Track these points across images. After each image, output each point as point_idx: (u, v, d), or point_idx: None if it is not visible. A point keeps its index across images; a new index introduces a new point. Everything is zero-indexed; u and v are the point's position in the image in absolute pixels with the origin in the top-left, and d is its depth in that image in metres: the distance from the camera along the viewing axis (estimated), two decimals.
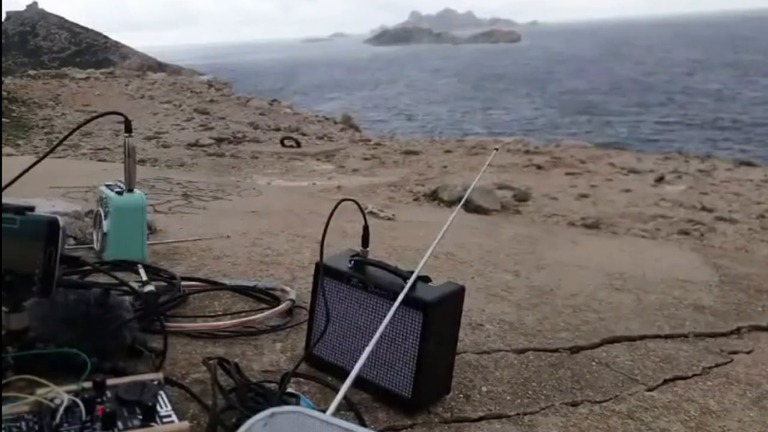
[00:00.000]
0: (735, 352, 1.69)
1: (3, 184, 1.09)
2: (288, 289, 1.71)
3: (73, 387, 0.96)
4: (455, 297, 1.25)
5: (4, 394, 0.93)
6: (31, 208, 1.07)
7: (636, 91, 35.79)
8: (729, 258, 2.79)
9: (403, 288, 1.16)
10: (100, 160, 9.22)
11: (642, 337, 1.72)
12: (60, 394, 0.93)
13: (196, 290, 1.68)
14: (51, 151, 1.38)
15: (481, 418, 1.24)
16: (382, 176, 9.61)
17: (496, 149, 2.49)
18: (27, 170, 1.16)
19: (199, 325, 1.47)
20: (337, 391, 0.85)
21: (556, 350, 1.58)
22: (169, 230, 2.34)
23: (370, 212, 3.31)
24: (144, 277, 1.63)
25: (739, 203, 7.95)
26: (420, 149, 12.49)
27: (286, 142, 12.50)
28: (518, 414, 1.27)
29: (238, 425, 0.74)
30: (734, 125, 23.94)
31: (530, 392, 1.36)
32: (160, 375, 1.06)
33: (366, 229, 1.35)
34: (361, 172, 10.15)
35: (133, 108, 14.54)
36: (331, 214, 1.23)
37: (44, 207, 2.09)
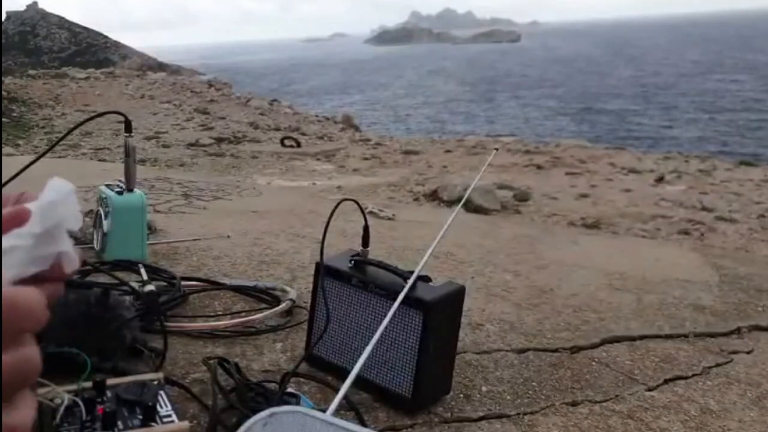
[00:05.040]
0: (735, 352, 1.69)
1: (2, 182, 1.09)
2: (288, 289, 1.71)
3: (73, 387, 0.96)
4: (455, 297, 1.25)
5: None
6: None
7: (637, 91, 35.79)
8: (729, 258, 2.79)
9: (403, 288, 1.16)
10: (100, 160, 9.21)
11: (642, 337, 1.71)
12: (60, 394, 0.93)
13: (196, 290, 1.68)
14: (50, 149, 1.39)
15: (481, 418, 1.24)
16: (382, 176, 9.60)
17: (496, 149, 2.50)
18: (27, 167, 1.16)
19: (199, 325, 1.47)
20: (337, 391, 0.85)
21: (556, 350, 1.58)
22: (169, 230, 2.34)
23: (371, 212, 3.31)
24: (144, 277, 1.63)
25: (739, 203, 7.95)
26: (420, 149, 12.49)
27: (286, 142, 12.50)
28: (518, 414, 1.27)
29: (238, 425, 0.74)
30: (734, 124, 23.94)
31: (530, 392, 1.36)
32: (160, 375, 1.06)
33: (366, 229, 1.35)
34: (361, 171, 10.15)
35: (133, 108, 14.54)
36: (332, 214, 1.23)
37: None
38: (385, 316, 1.07)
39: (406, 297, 1.15)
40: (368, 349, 0.96)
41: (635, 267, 2.43)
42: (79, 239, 2.02)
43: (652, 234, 6.41)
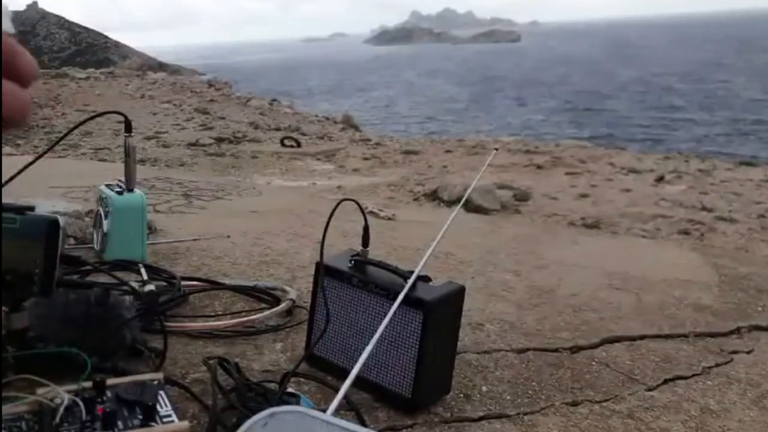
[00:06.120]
0: (735, 352, 1.69)
1: (2, 181, 1.09)
2: (288, 288, 1.71)
3: (73, 387, 0.96)
4: (455, 297, 1.25)
5: (4, 394, 0.93)
6: (32, 208, 1.07)
7: (637, 90, 35.78)
8: (729, 258, 2.79)
9: (403, 288, 1.16)
10: (100, 160, 9.21)
11: (642, 337, 1.72)
12: (60, 394, 0.93)
13: (196, 290, 1.68)
14: (50, 149, 1.39)
15: (481, 418, 1.24)
16: (382, 176, 9.60)
17: (496, 149, 2.50)
18: (26, 167, 1.16)
19: (199, 325, 1.47)
20: (337, 391, 0.85)
21: (556, 350, 1.58)
22: (169, 230, 2.34)
23: (371, 212, 3.31)
24: (144, 277, 1.63)
25: (739, 203, 7.94)
26: (420, 149, 12.48)
27: (286, 141, 12.48)
28: (518, 414, 1.27)
29: (238, 425, 0.74)
30: (734, 124, 23.94)
31: (530, 392, 1.36)
32: (160, 375, 1.06)
33: (366, 228, 1.35)
34: (361, 171, 10.14)
35: (133, 108, 14.52)
36: (332, 214, 1.23)
37: (44, 207, 2.09)
38: (385, 316, 1.07)
39: (406, 297, 1.15)
40: (368, 349, 0.96)
41: (635, 267, 2.43)
42: (79, 239, 2.02)
43: (652, 234, 6.40)
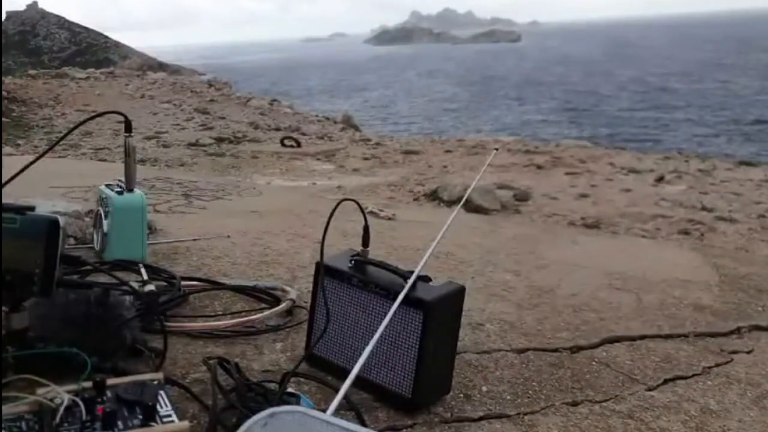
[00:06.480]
0: (735, 352, 1.70)
1: (2, 181, 1.09)
2: (288, 288, 1.71)
3: (73, 387, 0.96)
4: (455, 297, 1.25)
5: (4, 394, 0.93)
6: (32, 208, 1.07)
7: (637, 91, 35.78)
8: (729, 258, 2.79)
9: (403, 288, 1.16)
10: (100, 160, 9.21)
11: (642, 337, 1.72)
12: (60, 394, 0.93)
13: (196, 290, 1.68)
14: (50, 149, 1.39)
15: (481, 418, 1.24)
16: (382, 176, 9.60)
17: (496, 149, 2.50)
18: (26, 167, 1.16)
19: (199, 325, 1.47)
20: (337, 390, 0.85)
21: (556, 350, 1.58)
22: (169, 230, 2.34)
23: (371, 212, 3.31)
24: (144, 277, 1.63)
25: (739, 203, 7.94)
26: (420, 149, 12.47)
27: (286, 141, 12.48)
28: (518, 414, 1.27)
29: (238, 425, 0.74)
30: (734, 124, 23.94)
31: (530, 392, 1.36)
32: (160, 375, 1.06)
33: (366, 228, 1.35)
34: (361, 171, 10.14)
35: (133, 108, 14.52)
36: (332, 214, 1.23)
37: (44, 207, 2.09)
38: (385, 316, 1.07)
39: (406, 297, 1.15)
40: (368, 349, 0.96)
41: (635, 267, 2.43)
42: (79, 239, 2.02)
43: (652, 234, 6.40)
